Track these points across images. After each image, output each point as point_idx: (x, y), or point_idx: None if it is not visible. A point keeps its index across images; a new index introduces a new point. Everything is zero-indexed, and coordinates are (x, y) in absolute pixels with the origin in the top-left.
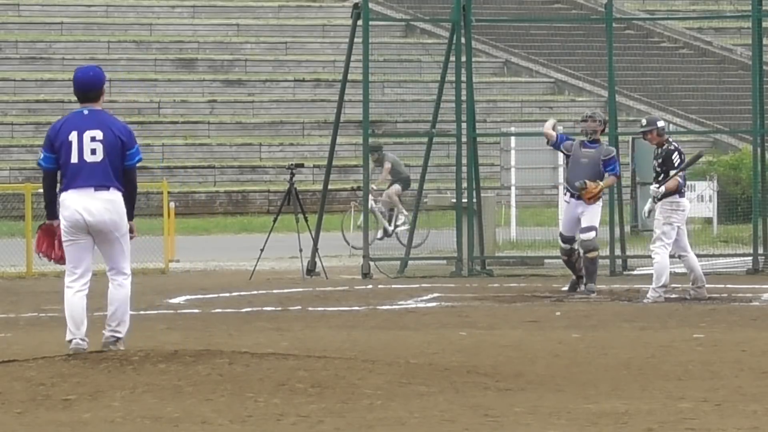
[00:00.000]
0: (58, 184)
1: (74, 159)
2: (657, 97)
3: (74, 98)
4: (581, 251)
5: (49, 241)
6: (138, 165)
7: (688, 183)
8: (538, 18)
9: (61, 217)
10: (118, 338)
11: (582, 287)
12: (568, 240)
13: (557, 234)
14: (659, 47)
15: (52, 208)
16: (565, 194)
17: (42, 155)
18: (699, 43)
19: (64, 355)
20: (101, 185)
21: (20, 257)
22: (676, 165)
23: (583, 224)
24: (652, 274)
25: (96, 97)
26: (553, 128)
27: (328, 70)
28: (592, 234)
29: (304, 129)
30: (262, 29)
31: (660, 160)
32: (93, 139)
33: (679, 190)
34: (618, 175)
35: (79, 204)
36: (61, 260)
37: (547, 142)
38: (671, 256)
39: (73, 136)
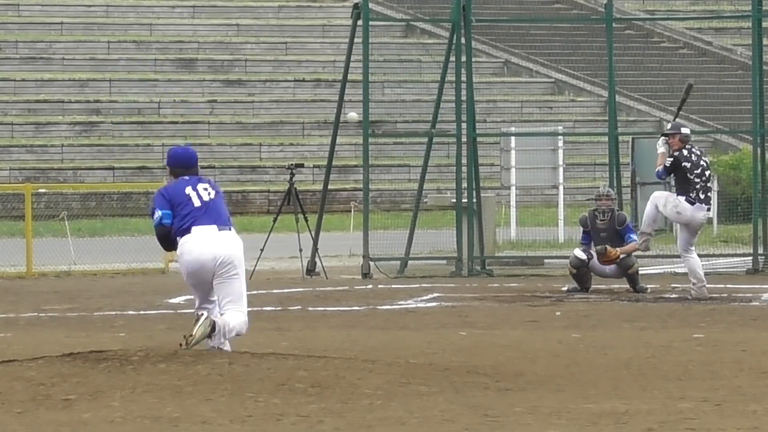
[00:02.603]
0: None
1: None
2: (657, 97)
3: (74, 98)
4: (623, 269)
5: None
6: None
7: None
8: (538, 18)
9: None
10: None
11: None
12: (580, 263)
13: (557, 234)
14: (659, 47)
15: None
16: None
17: None
18: (699, 43)
19: (64, 355)
20: None
21: (20, 257)
22: (667, 164)
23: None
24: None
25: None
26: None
27: (328, 70)
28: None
29: (304, 129)
30: (262, 29)
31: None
32: None
33: (665, 167)
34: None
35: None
36: None
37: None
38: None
39: None
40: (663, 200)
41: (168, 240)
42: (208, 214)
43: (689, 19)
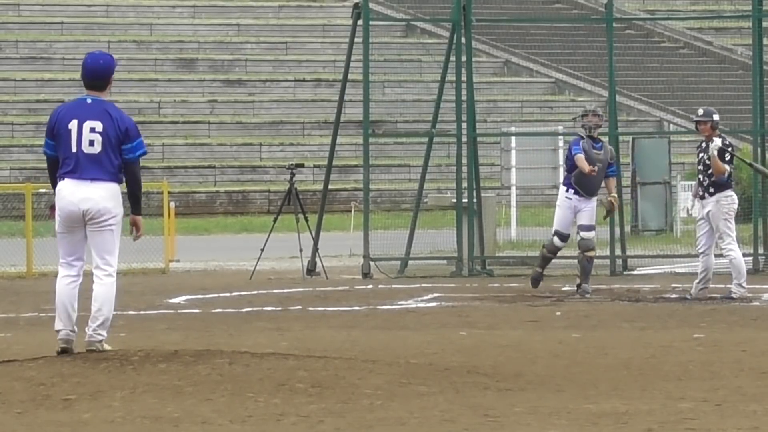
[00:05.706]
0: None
1: (73, 149)
2: (657, 97)
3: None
4: (579, 249)
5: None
6: (140, 160)
7: (689, 182)
8: (538, 18)
9: (57, 207)
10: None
11: (576, 288)
12: (566, 238)
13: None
14: (659, 47)
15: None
16: (567, 191)
17: (45, 141)
18: (699, 43)
19: (64, 355)
20: (98, 178)
21: (20, 257)
22: (726, 159)
23: (585, 222)
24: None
25: (102, 86)
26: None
27: (328, 70)
28: (593, 233)
29: (304, 129)
30: (262, 29)
31: (708, 153)
32: (92, 130)
33: (728, 180)
34: (616, 176)
35: (75, 194)
36: None
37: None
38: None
39: (73, 125)
40: (726, 211)
41: (51, 173)
42: (81, 165)
43: (689, 19)
